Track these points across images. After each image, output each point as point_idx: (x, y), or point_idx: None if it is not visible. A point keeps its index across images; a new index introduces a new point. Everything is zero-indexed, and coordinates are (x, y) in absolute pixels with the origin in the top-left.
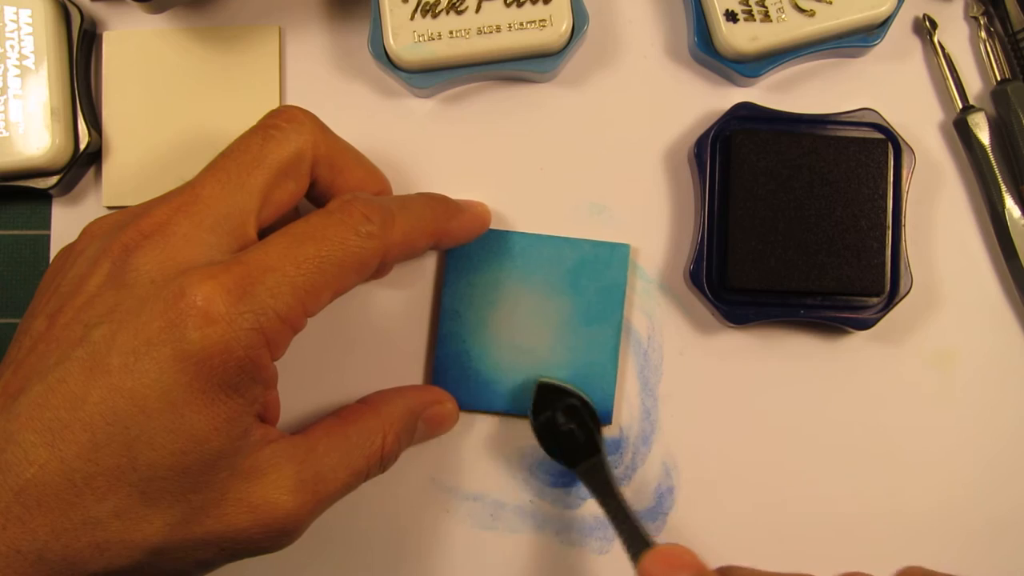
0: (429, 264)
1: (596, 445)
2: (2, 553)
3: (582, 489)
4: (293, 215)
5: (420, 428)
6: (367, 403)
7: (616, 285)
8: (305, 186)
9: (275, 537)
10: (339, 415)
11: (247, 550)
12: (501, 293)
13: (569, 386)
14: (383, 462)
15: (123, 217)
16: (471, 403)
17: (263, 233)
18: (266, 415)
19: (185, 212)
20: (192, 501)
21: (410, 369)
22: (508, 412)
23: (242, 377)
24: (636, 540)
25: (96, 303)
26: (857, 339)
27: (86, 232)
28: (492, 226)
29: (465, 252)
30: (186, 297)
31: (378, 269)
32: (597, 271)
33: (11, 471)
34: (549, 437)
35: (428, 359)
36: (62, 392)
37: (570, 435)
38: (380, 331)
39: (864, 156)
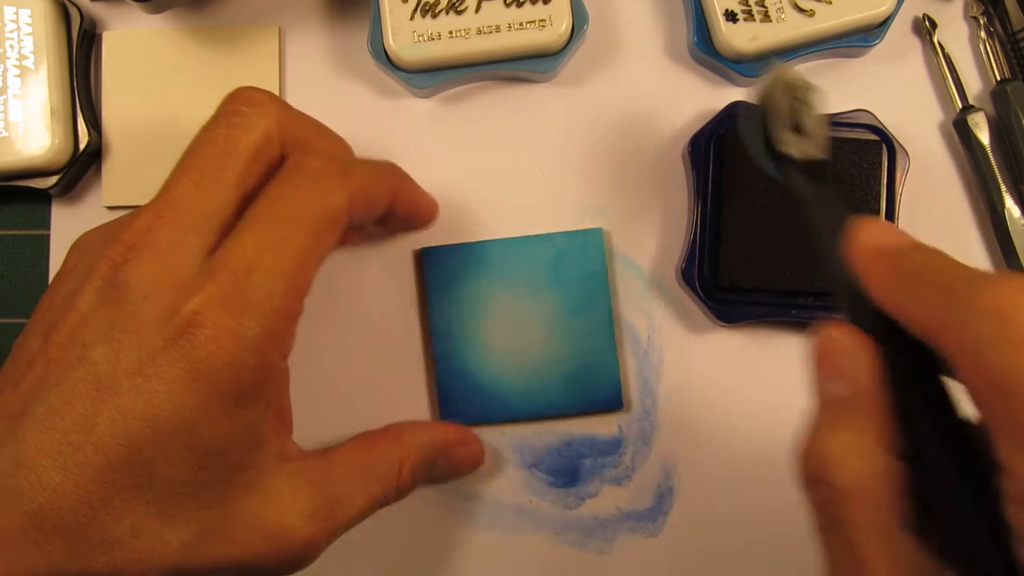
0: (408, 285)
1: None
2: None
3: (582, 489)
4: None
5: (442, 466)
6: (389, 431)
7: (597, 271)
8: (276, 166)
9: (289, 564)
10: (361, 440)
11: (261, 573)
12: (487, 303)
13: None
14: (399, 492)
15: (107, 232)
16: (483, 417)
17: None
18: (282, 420)
19: (165, 218)
20: (207, 518)
21: (414, 397)
22: (520, 419)
23: (255, 384)
24: (839, 218)
25: (91, 321)
26: None
27: (75, 248)
28: (484, 234)
29: (442, 270)
30: (183, 315)
31: (350, 231)
32: (575, 261)
33: (23, 496)
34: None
35: (429, 382)
36: (69, 415)
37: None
38: (377, 361)
39: (858, 157)
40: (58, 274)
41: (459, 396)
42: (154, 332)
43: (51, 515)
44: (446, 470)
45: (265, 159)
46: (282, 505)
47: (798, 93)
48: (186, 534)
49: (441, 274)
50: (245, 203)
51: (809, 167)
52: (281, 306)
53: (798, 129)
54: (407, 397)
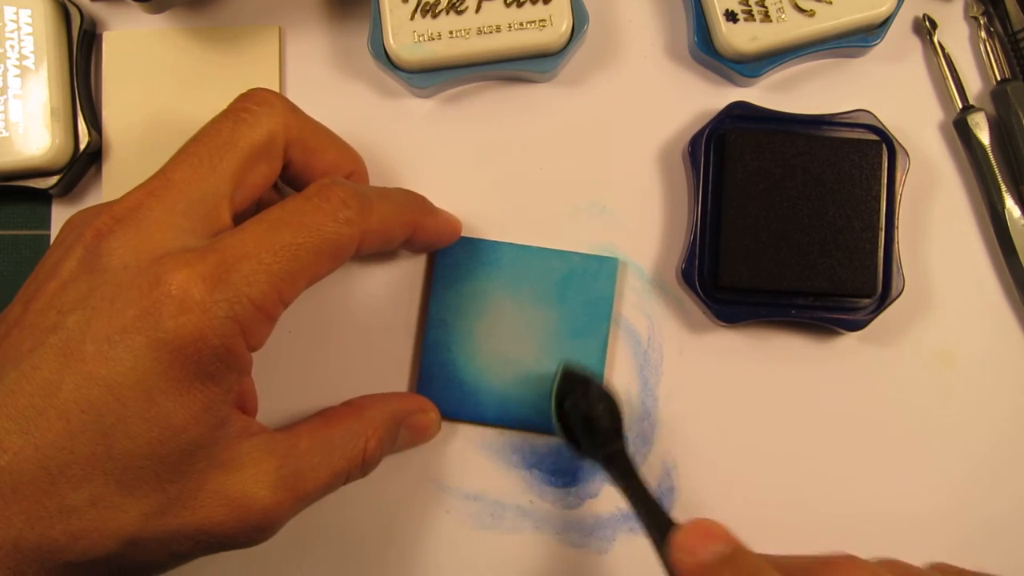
0: (417, 272)
1: (620, 431)
2: None
3: (582, 489)
4: (270, 195)
5: (402, 436)
6: (351, 406)
7: (603, 298)
8: (278, 168)
9: (250, 532)
10: (323, 415)
11: (222, 544)
12: (488, 303)
13: (590, 373)
14: (364, 466)
15: (100, 207)
16: (456, 412)
17: (238, 217)
18: (244, 405)
19: (157, 197)
20: (169, 491)
21: (395, 376)
22: (492, 423)
23: (217, 365)
24: (662, 522)
25: (70, 289)
26: (850, 340)
27: (67, 224)
28: (484, 233)
29: (454, 261)
30: (161, 285)
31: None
32: (585, 284)
33: None
34: (571, 423)
35: (413, 367)
36: (36, 379)
37: (599, 420)
38: (367, 337)
39: (858, 157)
40: (49, 248)
41: (438, 386)
42: (128, 301)
43: (10, 479)
44: (406, 440)
45: (267, 157)
46: (245, 474)
47: (578, 389)
48: (146, 505)
49: (452, 264)
50: (240, 196)
51: (611, 460)
52: (258, 299)
53: (590, 423)
54: (387, 375)
